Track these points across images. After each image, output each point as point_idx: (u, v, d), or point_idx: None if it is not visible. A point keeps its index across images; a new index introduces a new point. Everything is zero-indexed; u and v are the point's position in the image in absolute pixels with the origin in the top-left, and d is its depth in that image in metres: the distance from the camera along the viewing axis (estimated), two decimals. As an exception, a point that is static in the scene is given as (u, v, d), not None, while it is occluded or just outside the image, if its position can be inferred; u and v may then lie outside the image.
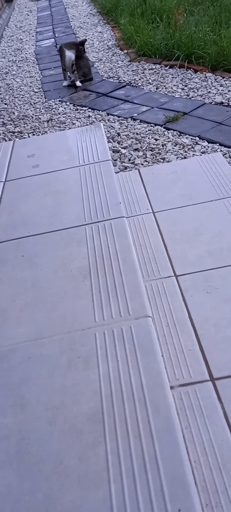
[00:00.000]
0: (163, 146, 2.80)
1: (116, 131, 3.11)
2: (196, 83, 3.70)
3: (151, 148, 2.80)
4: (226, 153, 2.59)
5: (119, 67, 4.41)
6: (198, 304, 1.54)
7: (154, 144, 2.84)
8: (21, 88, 4.28)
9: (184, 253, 1.78)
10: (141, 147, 2.83)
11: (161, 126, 3.07)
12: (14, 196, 1.91)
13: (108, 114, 3.42)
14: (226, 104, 3.27)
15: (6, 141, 3.19)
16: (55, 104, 3.78)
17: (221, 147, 2.69)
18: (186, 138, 2.86)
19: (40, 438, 0.97)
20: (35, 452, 0.95)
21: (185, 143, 2.79)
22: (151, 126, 3.11)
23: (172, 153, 2.70)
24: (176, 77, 3.89)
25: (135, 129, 3.11)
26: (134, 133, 3.05)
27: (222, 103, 3.29)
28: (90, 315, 1.25)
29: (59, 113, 3.58)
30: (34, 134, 3.28)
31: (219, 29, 4.23)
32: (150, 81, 3.93)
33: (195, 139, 2.83)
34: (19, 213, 1.78)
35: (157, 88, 3.76)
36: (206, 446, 1.13)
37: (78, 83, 4.03)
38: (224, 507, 1.01)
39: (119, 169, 2.60)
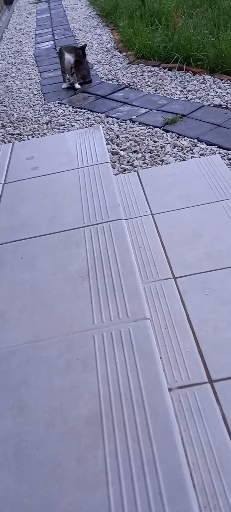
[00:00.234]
0: (161, 148, 2.81)
1: (115, 133, 3.11)
2: (195, 85, 3.71)
3: (149, 150, 2.81)
4: (224, 155, 2.60)
5: (117, 69, 4.42)
6: (197, 306, 1.54)
7: (152, 146, 2.85)
8: (20, 90, 4.29)
9: (182, 255, 1.78)
10: (140, 149, 2.84)
11: (160, 128, 3.08)
12: (13, 198, 1.91)
13: (107, 116, 3.42)
14: (225, 106, 3.27)
15: (5, 143, 3.20)
16: (55, 106, 3.78)
17: (219, 149, 2.69)
18: (185, 140, 2.87)
19: (38, 441, 0.97)
20: (34, 455, 0.95)
21: (183, 145, 2.80)
22: (150, 128, 3.12)
23: (170, 155, 2.71)
24: (174, 80, 3.90)
25: (133, 131, 3.11)
26: (132, 135, 3.05)
27: (220, 105, 3.30)
28: (89, 317, 1.25)
29: (58, 115, 3.59)
30: (33, 136, 3.28)
31: (217, 32, 4.24)
32: (149, 83, 3.94)
33: (194, 141, 2.84)
34: (18, 215, 1.78)
35: (155, 90, 3.77)
36: (204, 448, 1.13)
37: (77, 85, 4.04)
38: (222, 510, 1.01)
39: (117, 171, 2.60)
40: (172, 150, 2.76)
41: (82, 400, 1.03)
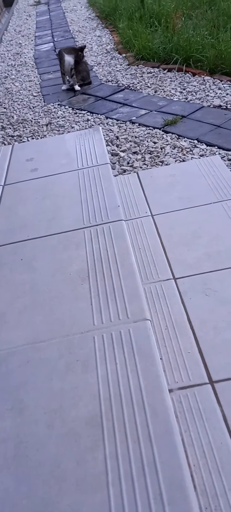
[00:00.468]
0: (161, 149, 2.81)
1: (115, 134, 3.11)
2: (194, 86, 3.71)
3: (149, 151, 2.81)
4: (224, 156, 2.60)
5: (117, 70, 4.42)
6: (197, 307, 1.54)
7: (152, 147, 2.84)
8: (20, 92, 4.29)
9: (182, 255, 1.78)
10: (140, 150, 2.84)
11: (160, 129, 3.08)
12: (13, 199, 1.91)
13: (107, 118, 3.42)
14: (224, 107, 3.27)
15: (5, 145, 3.20)
16: (54, 108, 3.79)
17: (219, 150, 2.69)
18: (185, 141, 2.87)
19: (38, 442, 0.97)
20: (33, 456, 0.94)
21: (183, 146, 2.80)
22: (150, 129, 3.12)
23: (170, 156, 2.70)
24: (174, 81, 3.91)
25: (133, 132, 3.11)
26: (132, 136, 3.05)
27: (220, 106, 3.30)
28: (88, 318, 1.25)
29: (58, 117, 3.59)
30: (33, 138, 3.28)
31: (217, 33, 4.24)
32: (149, 84, 3.94)
33: (194, 142, 2.83)
34: (17, 216, 1.78)
35: (155, 92, 3.77)
36: (205, 450, 1.12)
37: (77, 87, 4.04)
38: (223, 511, 1.01)
39: (117, 172, 2.60)
40: (171, 151, 2.76)
41: (82, 401, 1.03)
